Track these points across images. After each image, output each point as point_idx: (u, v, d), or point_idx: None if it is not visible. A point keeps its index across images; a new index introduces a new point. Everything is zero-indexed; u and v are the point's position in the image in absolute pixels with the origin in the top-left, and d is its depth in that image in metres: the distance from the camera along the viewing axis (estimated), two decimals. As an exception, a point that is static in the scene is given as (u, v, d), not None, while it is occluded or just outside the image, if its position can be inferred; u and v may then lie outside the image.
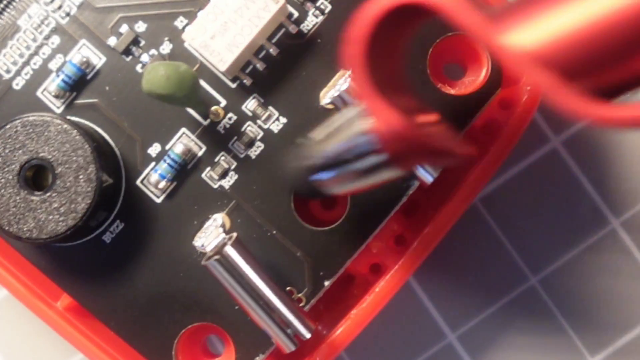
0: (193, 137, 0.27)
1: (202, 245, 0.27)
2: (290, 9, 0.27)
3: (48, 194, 0.25)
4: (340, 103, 0.26)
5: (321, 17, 0.27)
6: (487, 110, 0.27)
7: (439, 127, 0.22)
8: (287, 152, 0.24)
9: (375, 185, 0.23)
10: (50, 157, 0.25)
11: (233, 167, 0.27)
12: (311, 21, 0.27)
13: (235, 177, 0.27)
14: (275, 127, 0.27)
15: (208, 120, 0.27)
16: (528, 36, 0.18)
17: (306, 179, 0.23)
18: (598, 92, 0.18)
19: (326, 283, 0.27)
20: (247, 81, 0.27)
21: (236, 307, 0.26)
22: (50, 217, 0.25)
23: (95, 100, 0.27)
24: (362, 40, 0.19)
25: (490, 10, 0.19)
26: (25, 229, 0.25)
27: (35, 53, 0.27)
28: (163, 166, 0.27)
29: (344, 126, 0.22)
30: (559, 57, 0.17)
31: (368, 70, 0.19)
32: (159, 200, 0.27)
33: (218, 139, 0.27)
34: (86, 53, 0.27)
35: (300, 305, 0.27)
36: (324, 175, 0.23)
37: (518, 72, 0.18)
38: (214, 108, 0.27)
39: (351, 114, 0.22)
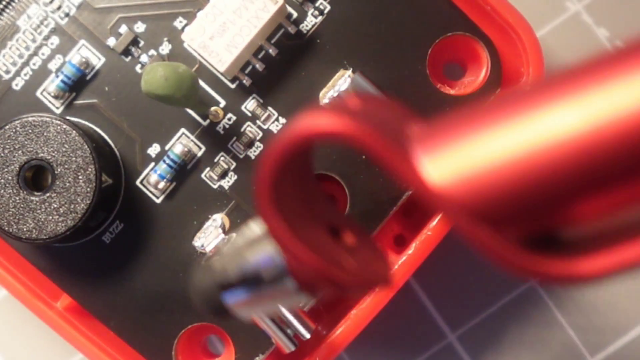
0: (192, 137, 0.27)
1: (202, 246, 0.27)
2: (289, 9, 0.27)
3: (47, 194, 0.25)
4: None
5: (320, 18, 0.27)
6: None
7: (356, 252, 0.20)
8: (196, 269, 0.23)
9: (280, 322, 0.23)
10: (49, 157, 0.25)
11: (232, 167, 0.27)
12: (310, 21, 0.27)
13: (235, 177, 0.27)
14: (275, 128, 0.27)
15: (207, 121, 0.27)
16: (446, 168, 0.15)
17: (214, 297, 0.22)
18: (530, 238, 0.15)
19: (326, 283, 0.27)
20: (247, 81, 0.27)
21: (236, 307, 0.26)
22: (50, 217, 0.25)
23: (94, 100, 0.27)
24: (269, 177, 0.18)
25: (415, 128, 0.17)
26: (25, 230, 0.25)
27: (35, 54, 0.27)
28: (162, 166, 0.27)
29: (254, 244, 0.21)
30: (484, 197, 0.15)
31: (276, 208, 0.18)
32: (158, 201, 0.27)
33: (217, 139, 0.27)
34: (85, 53, 0.27)
35: (300, 305, 0.27)
36: (232, 295, 0.21)
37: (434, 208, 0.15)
38: (213, 108, 0.27)
39: (260, 232, 0.21)
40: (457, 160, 0.15)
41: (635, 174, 0.14)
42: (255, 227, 0.21)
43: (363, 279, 0.19)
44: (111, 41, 0.27)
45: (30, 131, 0.25)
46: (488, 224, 0.15)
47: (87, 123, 0.27)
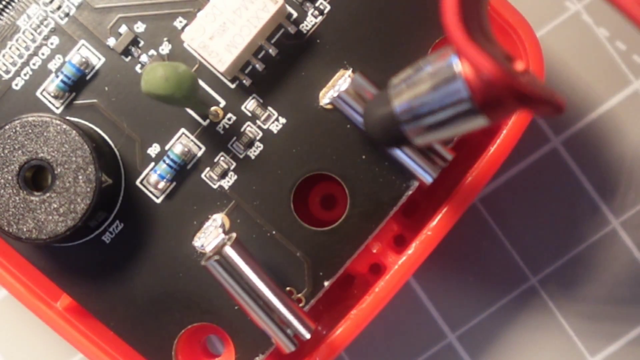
0: (192, 137, 0.27)
1: (202, 246, 0.27)
2: (289, 9, 0.27)
3: (47, 194, 0.25)
4: (339, 103, 0.26)
5: (320, 18, 0.27)
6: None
7: (528, 76, 0.21)
8: (371, 100, 0.24)
9: (458, 136, 0.23)
10: (49, 157, 0.25)
11: (232, 167, 0.27)
12: (310, 21, 0.27)
13: (235, 177, 0.27)
14: (275, 128, 0.27)
15: (207, 121, 0.27)
16: None
17: (391, 127, 0.22)
18: None
19: (326, 283, 0.27)
20: (247, 81, 0.27)
21: (236, 307, 0.26)
22: (50, 217, 0.25)
23: (94, 100, 0.27)
24: None
25: None
26: (24, 230, 0.25)
27: (35, 53, 0.27)
28: (162, 166, 0.27)
29: (433, 73, 0.22)
30: None
31: (461, 16, 0.19)
32: (158, 201, 0.27)
33: (217, 139, 0.27)
34: (85, 53, 0.27)
35: (300, 305, 0.27)
36: (411, 124, 0.22)
37: None
38: (213, 108, 0.27)
39: (439, 62, 0.22)
40: None
41: None
42: (429, 58, 0.22)
43: (543, 91, 0.20)
44: (111, 41, 0.27)
45: (30, 131, 0.25)
46: None
47: (87, 123, 0.27)
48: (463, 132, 0.22)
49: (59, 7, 0.27)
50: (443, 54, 0.21)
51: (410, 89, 0.22)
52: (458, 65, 0.21)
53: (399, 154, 0.26)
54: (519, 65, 0.21)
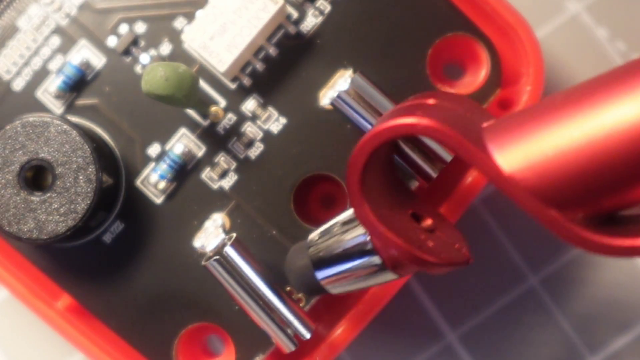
0: (193, 137, 0.27)
1: (202, 246, 0.27)
2: (290, 9, 0.27)
3: (48, 194, 0.25)
4: (339, 103, 0.26)
5: (320, 18, 0.27)
6: (488, 109, 0.27)
7: (437, 234, 0.23)
8: (291, 251, 0.25)
9: (373, 286, 0.24)
10: (50, 157, 0.25)
11: (233, 167, 0.27)
12: (310, 22, 0.27)
13: (235, 177, 0.27)
14: (275, 128, 0.27)
15: (208, 121, 0.27)
16: (516, 158, 0.18)
17: (308, 277, 0.24)
18: (590, 217, 0.17)
19: (326, 283, 0.27)
20: (247, 82, 0.27)
21: (236, 307, 0.26)
22: (50, 217, 0.25)
23: (95, 101, 0.27)
24: (357, 170, 0.20)
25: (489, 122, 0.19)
26: (25, 230, 0.25)
27: (35, 54, 0.27)
28: (163, 167, 0.27)
29: (346, 230, 0.23)
30: (550, 183, 0.17)
31: (365, 197, 0.21)
32: (158, 201, 0.27)
33: (218, 139, 0.27)
34: (86, 54, 0.27)
35: (300, 305, 0.27)
36: (324, 273, 0.24)
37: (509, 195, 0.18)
38: (213, 109, 0.27)
39: (352, 218, 0.24)
40: (525, 151, 0.18)
41: None
42: (350, 213, 0.24)
43: (445, 258, 0.21)
44: (112, 41, 0.27)
45: (30, 131, 0.25)
46: (555, 207, 0.17)
47: (87, 123, 0.27)
48: (374, 285, 0.24)
49: (60, 8, 0.27)
50: (357, 222, 0.23)
51: (326, 247, 0.24)
52: (368, 238, 0.22)
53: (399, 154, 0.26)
54: (427, 222, 0.23)
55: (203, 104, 0.27)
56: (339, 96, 0.26)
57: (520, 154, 0.18)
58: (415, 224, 0.23)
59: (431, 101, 0.21)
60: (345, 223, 0.24)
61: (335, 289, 0.24)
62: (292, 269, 0.25)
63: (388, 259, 0.22)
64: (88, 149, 0.25)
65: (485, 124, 0.20)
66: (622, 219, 0.18)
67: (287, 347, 0.25)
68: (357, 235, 0.23)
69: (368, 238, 0.22)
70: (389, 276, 0.23)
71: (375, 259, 0.22)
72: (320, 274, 0.24)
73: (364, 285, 0.24)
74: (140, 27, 0.27)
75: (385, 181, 0.22)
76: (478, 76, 0.27)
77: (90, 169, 0.25)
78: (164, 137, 0.27)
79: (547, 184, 0.17)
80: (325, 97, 0.27)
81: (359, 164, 0.20)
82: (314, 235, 0.25)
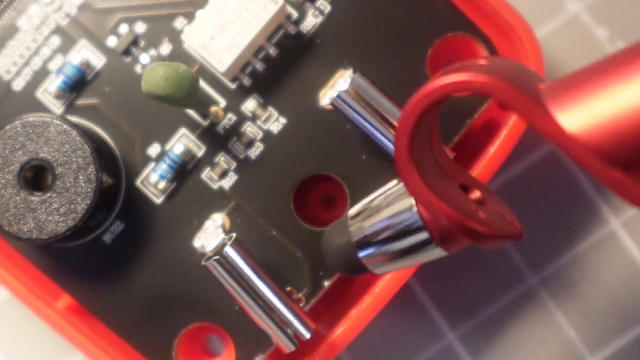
0: (193, 137, 0.27)
1: (202, 246, 0.27)
2: (290, 9, 0.27)
3: (48, 194, 0.25)
4: (339, 103, 0.26)
5: (320, 18, 0.27)
6: (487, 111, 0.27)
7: (486, 207, 0.22)
8: (329, 228, 0.24)
9: (420, 264, 0.23)
10: (50, 157, 0.25)
11: (233, 167, 0.27)
12: (310, 22, 0.27)
13: (235, 177, 0.27)
14: (275, 128, 0.27)
15: (208, 121, 0.27)
16: (579, 117, 0.17)
17: (349, 255, 0.23)
18: None
19: (326, 283, 0.27)
20: (247, 82, 0.27)
21: (236, 307, 0.26)
22: (50, 217, 0.25)
23: (95, 101, 0.27)
24: (407, 131, 0.19)
25: (546, 84, 0.18)
26: (25, 230, 0.25)
27: (35, 54, 0.27)
28: (163, 167, 0.27)
29: (390, 203, 0.22)
30: (615, 143, 0.17)
31: (413, 160, 0.19)
32: (158, 201, 0.27)
33: (218, 139, 0.27)
34: (86, 54, 0.27)
35: (300, 305, 0.27)
36: (368, 252, 0.23)
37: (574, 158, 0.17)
38: (213, 109, 0.27)
39: (396, 190, 0.23)
40: (589, 110, 0.17)
41: None
42: (392, 185, 0.23)
43: (497, 231, 0.20)
44: (112, 41, 0.27)
45: (30, 131, 0.25)
46: (620, 168, 0.17)
47: (87, 123, 0.27)
48: (420, 263, 0.23)
49: (60, 8, 0.27)
50: (401, 194, 0.22)
51: (369, 221, 0.23)
52: (416, 208, 0.21)
53: None
54: (475, 194, 0.22)
55: (203, 104, 0.27)
56: (339, 96, 0.26)
57: (583, 113, 0.17)
58: (464, 194, 0.21)
59: (483, 61, 0.20)
60: (389, 197, 0.23)
61: (378, 269, 0.23)
62: (331, 246, 0.23)
63: (437, 233, 0.21)
64: (88, 149, 0.25)
65: (541, 85, 0.19)
66: None
67: (287, 347, 0.25)
68: (403, 209, 0.22)
69: (415, 210, 0.21)
70: (436, 252, 0.22)
71: (423, 234, 0.21)
72: (363, 253, 0.22)
73: (409, 264, 0.22)
74: (140, 27, 0.27)
75: (431, 148, 0.21)
76: (478, 76, 0.27)
77: (90, 169, 0.25)
78: (164, 137, 0.27)
79: (612, 144, 0.17)
80: (325, 97, 0.27)
81: (409, 126, 0.19)
82: (354, 210, 0.24)
